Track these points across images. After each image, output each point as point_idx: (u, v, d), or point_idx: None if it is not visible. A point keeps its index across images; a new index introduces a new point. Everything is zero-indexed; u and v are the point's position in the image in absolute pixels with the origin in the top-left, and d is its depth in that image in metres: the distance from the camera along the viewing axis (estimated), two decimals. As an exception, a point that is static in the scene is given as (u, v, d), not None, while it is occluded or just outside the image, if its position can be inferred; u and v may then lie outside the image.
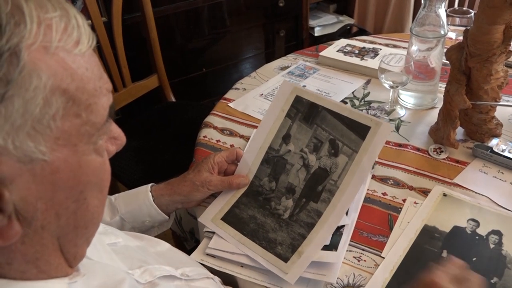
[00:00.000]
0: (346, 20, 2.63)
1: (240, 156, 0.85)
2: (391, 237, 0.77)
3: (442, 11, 0.99)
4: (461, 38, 0.92)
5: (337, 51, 1.36)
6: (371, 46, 1.38)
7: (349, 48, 1.37)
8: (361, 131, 0.77)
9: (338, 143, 0.78)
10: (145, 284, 0.56)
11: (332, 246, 0.73)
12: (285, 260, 0.71)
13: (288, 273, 0.70)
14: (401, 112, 1.09)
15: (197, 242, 0.85)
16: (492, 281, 0.69)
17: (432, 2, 0.97)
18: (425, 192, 0.85)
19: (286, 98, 0.85)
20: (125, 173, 1.41)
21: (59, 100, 0.36)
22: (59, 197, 0.39)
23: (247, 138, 1.04)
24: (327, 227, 0.73)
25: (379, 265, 0.72)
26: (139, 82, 1.68)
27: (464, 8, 1.28)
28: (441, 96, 0.98)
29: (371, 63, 1.27)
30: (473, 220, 0.79)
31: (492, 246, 0.74)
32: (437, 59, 1.04)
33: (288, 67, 1.34)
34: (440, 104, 0.97)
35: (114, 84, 1.59)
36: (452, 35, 1.25)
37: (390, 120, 1.07)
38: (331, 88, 1.21)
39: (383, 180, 0.89)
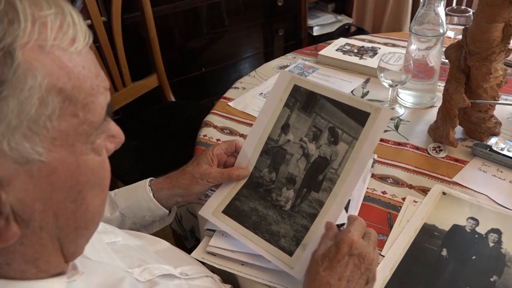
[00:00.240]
0: (345, 20, 2.63)
1: (239, 148, 0.84)
2: (390, 235, 0.77)
3: (441, 9, 0.99)
4: (459, 37, 0.92)
5: (336, 50, 1.36)
6: (370, 45, 1.38)
7: (348, 47, 1.37)
8: (360, 117, 0.75)
9: (338, 131, 0.77)
10: (145, 282, 0.56)
11: None
12: (290, 253, 0.71)
13: (294, 268, 0.69)
14: (400, 111, 1.09)
15: (198, 241, 0.85)
16: (491, 279, 0.69)
17: (431, 0, 0.97)
18: (424, 191, 0.85)
19: (284, 88, 0.84)
20: (125, 172, 1.41)
21: (55, 99, 0.35)
22: (57, 197, 0.38)
23: (246, 137, 1.04)
24: (330, 217, 0.72)
25: (379, 264, 0.72)
26: (139, 81, 1.68)
27: (463, 7, 1.28)
28: (440, 95, 0.98)
29: (370, 62, 1.27)
30: (473, 218, 0.79)
31: (491, 244, 0.74)
32: (436, 58, 1.04)
33: (287, 66, 1.34)
34: (439, 103, 0.98)
35: (114, 83, 1.59)
36: (450, 34, 1.25)
37: (390, 119, 1.07)
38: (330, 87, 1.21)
39: (382, 178, 0.90)
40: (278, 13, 2.36)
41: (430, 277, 0.70)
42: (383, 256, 0.74)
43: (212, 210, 0.79)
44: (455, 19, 1.24)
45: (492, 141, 0.93)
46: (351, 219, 0.65)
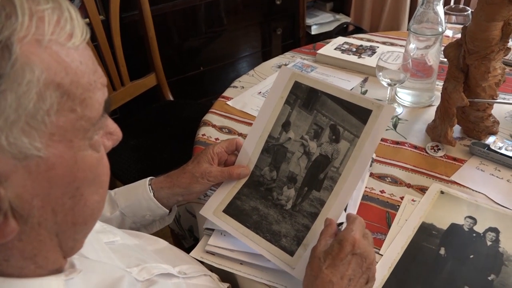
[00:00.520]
0: (343, 19, 2.63)
1: (240, 146, 0.83)
2: (389, 234, 0.77)
3: (440, 8, 1.00)
4: (458, 36, 0.92)
5: (335, 49, 1.36)
6: (368, 44, 1.38)
7: (346, 46, 1.37)
8: (362, 115, 0.74)
9: (339, 128, 0.76)
10: (143, 281, 0.56)
11: None
12: (291, 253, 0.71)
13: (295, 268, 0.69)
14: (398, 110, 1.09)
15: (196, 240, 0.85)
16: (489, 278, 0.69)
17: (430, -1, 0.98)
18: (422, 190, 0.86)
19: (284, 85, 0.83)
20: (124, 171, 1.41)
21: (53, 94, 0.35)
22: (55, 193, 0.38)
23: (245, 136, 1.04)
24: (331, 216, 0.71)
25: (377, 263, 0.72)
26: (137, 80, 1.68)
27: (461, 6, 1.28)
28: (438, 94, 0.98)
29: (368, 61, 1.27)
30: (470, 217, 0.79)
31: (489, 243, 0.74)
32: (434, 57, 1.04)
33: (285, 65, 1.34)
34: (437, 102, 0.98)
35: (112, 82, 1.59)
36: (449, 33, 1.25)
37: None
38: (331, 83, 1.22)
39: (381, 177, 0.90)
40: (276, 12, 2.36)
41: (428, 276, 0.70)
42: (382, 255, 0.74)
43: (213, 210, 0.79)
44: (454, 18, 1.24)
45: (490, 140, 0.93)
46: (351, 218, 0.65)
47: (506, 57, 1.19)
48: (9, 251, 0.39)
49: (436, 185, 0.86)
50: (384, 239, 0.77)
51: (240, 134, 1.06)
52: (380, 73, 1.03)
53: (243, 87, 1.25)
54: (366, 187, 0.87)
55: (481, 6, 0.81)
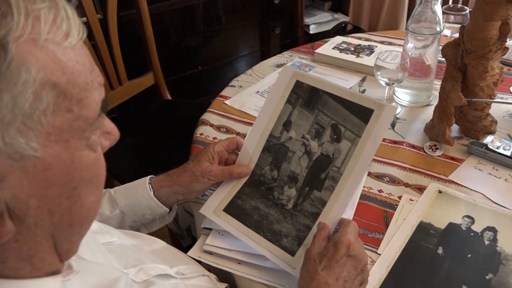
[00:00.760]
0: (341, 18, 2.63)
1: (240, 145, 0.83)
2: (387, 234, 0.77)
3: (438, 7, 1.00)
4: (456, 35, 0.92)
5: (333, 48, 1.36)
6: (366, 43, 1.38)
7: (344, 46, 1.37)
8: (364, 114, 0.74)
9: (341, 128, 0.76)
10: (141, 283, 0.56)
11: None
12: (292, 253, 0.70)
13: (296, 268, 0.69)
14: (396, 109, 1.09)
15: (194, 240, 0.85)
16: (487, 277, 0.69)
17: (428, -2, 0.98)
18: (420, 189, 0.86)
19: (286, 84, 0.82)
20: (121, 171, 1.41)
21: (50, 94, 0.35)
22: (51, 194, 0.38)
23: (243, 136, 1.04)
24: (332, 216, 0.71)
25: (375, 262, 0.72)
26: (135, 80, 1.68)
27: (459, 5, 1.28)
28: (436, 93, 0.98)
29: (366, 60, 1.27)
30: (468, 216, 0.79)
31: (487, 242, 0.75)
32: (432, 56, 1.04)
33: (284, 64, 1.34)
34: (435, 101, 0.98)
35: (110, 82, 1.59)
36: (447, 32, 1.25)
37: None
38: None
39: (379, 177, 0.90)
40: (274, 11, 2.36)
41: (426, 275, 0.70)
42: (379, 255, 0.74)
43: (213, 209, 0.78)
44: (452, 17, 1.24)
45: (488, 139, 0.93)
46: (345, 221, 0.66)
47: (504, 57, 1.19)
48: (6, 252, 0.38)
49: (434, 184, 0.86)
50: (382, 238, 0.77)
51: (238, 133, 1.06)
52: (378, 73, 1.03)
53: (241, 86, 1.25)
54: (364, 187, 0.87)
55: (479, 5, 0.81)
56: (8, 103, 0.33)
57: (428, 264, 0.72)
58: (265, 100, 0.84)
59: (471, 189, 0.85)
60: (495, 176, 0.87)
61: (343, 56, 1.31)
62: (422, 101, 1.10)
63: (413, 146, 0.97)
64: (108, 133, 0.45)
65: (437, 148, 0.95)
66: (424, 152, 0.95)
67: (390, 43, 1.40)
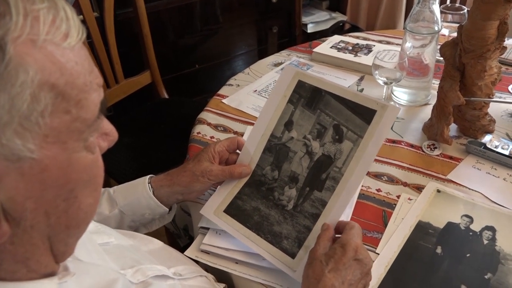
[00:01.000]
0: (339, 17, 2.63)
1: (241, 145, 0.82)
2: (385, 233, 0.77)
3: (436, 7, 0.99)
4: (454, 35, 0.92)
5: (331, 47, 1.35)
6: (364, 42, 1.38)
7: (342, 45, 1.37)
8: (366, 115, 0.73)
9: (343, 128, 0.75)
10: (138, 284, 0.55)
11: None
12: (292, 255, 0.70)
13: (296, 271, 0.68)
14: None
15: (191, 239, 0.84)
16: (486, 276, 0.69)
17: (426, -2, 0.97)
18: (419, 188, 0.85)
19: (288, 84, 0.81)
20: (118, 170, 1.40)
21: (48, 95, 0.35)
22: (48, 195, 0.37)
23: (241, 135, 1.04)
24: (332, 217, 0.71)
25: (374, 261, 0.72)
26: (132, 78, 1.67)
27: (457, 5, 1.28)
28: (434, 92, 0.98)
29: (364, 59, 1.27)
30: (467, 216, 0.79)
31: (485, 242, 0.74)
32: (431, 55, 1.04)
33: (281, 63, 1.34)
34: (433, 101, 0.98)
35: (107, 80, 1.58)
36: (445, 31, 1.25)
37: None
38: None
39: (377, 176, 0.89)
40: (272, 10, 2.36)
41: (424, 274, 0.70)
42: (378, 254, 0.74)
43: (213, 210, 0.78)
44: (450, 16, 1.24)
45: (487, 138, 0.93)
46: (350, 223, 0.65)
47: (502, 56, 1.19)
48: (1, 254, 0.38)
49: (433, 183, 0.86)
50: (381, 238, 0.76)
51: (235, 132, 1.06)
52: (376, 72, 1.03)
53: (238, 85, 1.25)
54: (362, 186, 0.87)
55: (477, 5, 0.81)
56: (5, 104, 0.32)
57: (427, 263, 0.72)
58: (267, 100, 0.84)
59: (469, 189, 0.85)
60: (493, 175, 0.87)
61: (341, 55, 1.31)
62: (420, 100, 1.10)
63: (412, 146, 0.97)
64: (106, 134, 0.45)
65: (436, 147, 0.95)
66: (423, 151, 0.95)
67: (388, 42, 1.40)
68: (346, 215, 0.79)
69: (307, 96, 0.79)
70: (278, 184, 0.78)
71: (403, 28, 1.05)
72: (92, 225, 0.61)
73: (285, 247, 0.71)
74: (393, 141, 0.98)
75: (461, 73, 0.90)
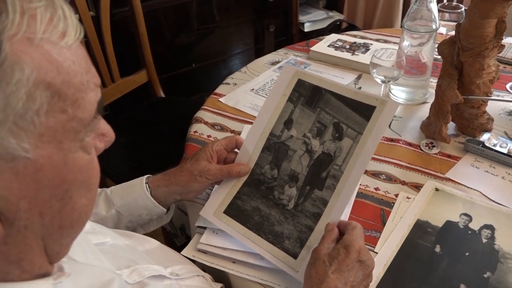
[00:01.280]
0: (336, 16, 2.63)
1: (240, 144, 0.81)
2: (384, 232, 0.77)
3: (433, 5, 0.99)
4: (452, 33, 0.92)
5: (328, 46, 1.35)
6: (362, 41, 1.38)
7: (340, 43, 1.36)
8: (366, 112, 0.73)
9: (343, 126, 0.75)
10: (134, 284, 0.55)
11: None
12: (294, 256, 0.69)
13: (299, 271, 0.68)
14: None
15: (188, 239, 0.84)
16: (485, 275, 0.69)
17: (424, -4, 0.97)
18: (417, 187, 0.85)
19: (287, 82, 0.81)
20: (115, 170, 1.40)
21: (44, 94, 0.34)
22: (43, 196, 0.37)
23: (238, 133, 1.03)
24: (333, 216, 0.70)
25: (372, 261, 0.72)
26: (128, 77, 1.66)
27: (454, 3, 1.28)
28: (432, 91, 0.97)
29: (362, 58, 1.27)
30: (466, 214, 0.78)
31: (484, 240, 0.74)
32: (428, 54, 1.04)
33: (279, 62, 1.33)
34: (431, 99, 0.97)
35: (103, 79, 1.57)
36: (443, 30, 1.25)
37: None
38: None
39: (375, 175, 0.89)
40: (269, 9, 2.35)
41: (423, 273, 0.70)
42: (377, 253, 0.73)
43: (213, 211, 0.77)
44: (447, 15, 1.24)
45: (485, 137, 0.93)
46: (352, 224, 0.65)
47: (500, 54, 1.19)
48: None
49: (431, 182, 0.86)
50: (379, 236, 0.76)
51: (232, 131, 1.05)
52: (374, 70, 1.02)
53: (235, 84, 1.24)
54: (360, 185, 0.87)
55: (475, 3, 0.81)
56: (0, 102, 0.32)
57: (426, 262, 0.71)
58: (266, 99, 0.83)
59: (468, 187, 0.84)
60: (492, 173, 0.87)
61: (339, 53, 1.30)
62: (418, 98, 1.10)
63: (410, 144, 0.96)
64: (103, 135, 0.44)
65: (434, 146, 0.95)
66: (421, 150, 0.95)
67: (385, 41, 1.39)
68: (344, 214, 0.78)
69: (307, 94, 0.79)
70: (278, 183, 0.77)
71: (401, 27, 1.05)
72: (88, 225, 0.60)
73: (287, 248, 0.71)
74: (391, 140, 0.98)
75: (459, 72, 0.90)
